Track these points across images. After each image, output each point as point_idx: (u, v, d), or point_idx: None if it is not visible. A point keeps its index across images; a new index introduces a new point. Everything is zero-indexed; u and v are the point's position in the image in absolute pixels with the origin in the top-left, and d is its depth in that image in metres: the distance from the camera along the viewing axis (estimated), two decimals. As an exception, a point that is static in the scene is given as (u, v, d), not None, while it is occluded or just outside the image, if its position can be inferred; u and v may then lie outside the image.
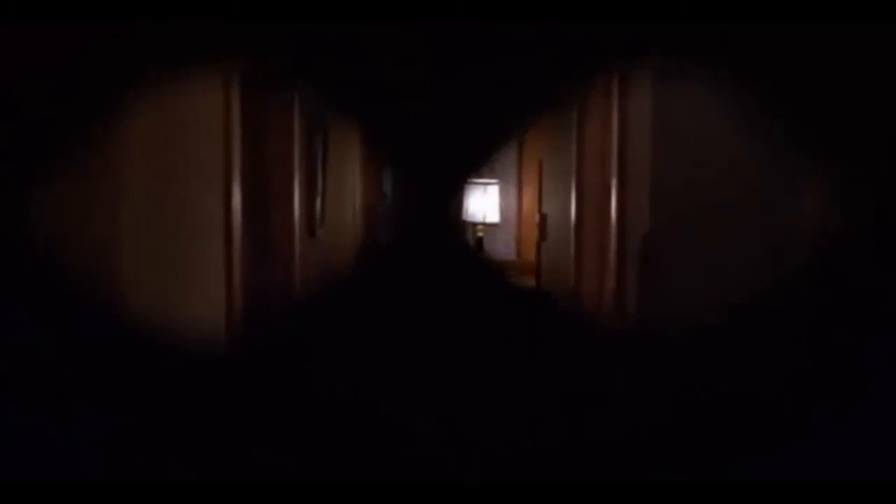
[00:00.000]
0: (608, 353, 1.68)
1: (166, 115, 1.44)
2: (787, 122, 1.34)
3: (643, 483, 1.22)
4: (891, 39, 1.11)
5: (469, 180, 5.08)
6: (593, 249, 2.71)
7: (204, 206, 1.77)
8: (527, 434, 1.45)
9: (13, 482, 1.02)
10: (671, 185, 1.93)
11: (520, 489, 1.23)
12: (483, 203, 5.01)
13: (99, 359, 1.12)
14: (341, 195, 4.15)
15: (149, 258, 1.39)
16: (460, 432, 1.45)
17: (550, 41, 1.37)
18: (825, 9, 1.10)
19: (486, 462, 1.36)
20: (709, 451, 1.30)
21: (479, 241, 5.06)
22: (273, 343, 1.73)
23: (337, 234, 4.03)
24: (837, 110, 1.23)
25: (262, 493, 1.22)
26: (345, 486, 1.25)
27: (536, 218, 4.29)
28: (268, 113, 2.48)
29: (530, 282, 4.88)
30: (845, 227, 1.24)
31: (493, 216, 5.05)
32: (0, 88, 0.99)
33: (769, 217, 1.58)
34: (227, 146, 1.85)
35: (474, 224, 5.09)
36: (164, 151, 1.49)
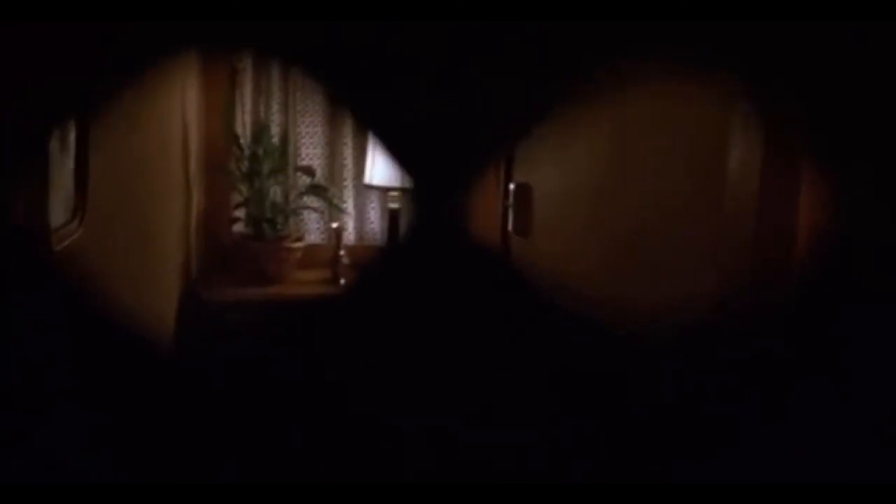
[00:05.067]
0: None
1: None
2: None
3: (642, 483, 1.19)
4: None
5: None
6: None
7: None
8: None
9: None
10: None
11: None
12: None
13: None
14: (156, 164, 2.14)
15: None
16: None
17: None
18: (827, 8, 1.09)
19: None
20: (705, 450, 1.22)
21: (394, 215, 3.12)
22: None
23: (136, 228, 2.04)
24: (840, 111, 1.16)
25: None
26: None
27: (508, 192, 2.42)
28: None
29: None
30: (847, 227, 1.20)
31: (416, 177, 3.11)
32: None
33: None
34: None
35: (386, 190, 3.15)
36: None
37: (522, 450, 1.28)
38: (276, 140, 3.04)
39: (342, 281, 3.03)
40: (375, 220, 3.29)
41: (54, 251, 1.35)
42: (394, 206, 3.10)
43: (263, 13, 1.10)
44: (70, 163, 1.41)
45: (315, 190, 3.08)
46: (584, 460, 1.26)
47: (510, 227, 2.42)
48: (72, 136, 1.41)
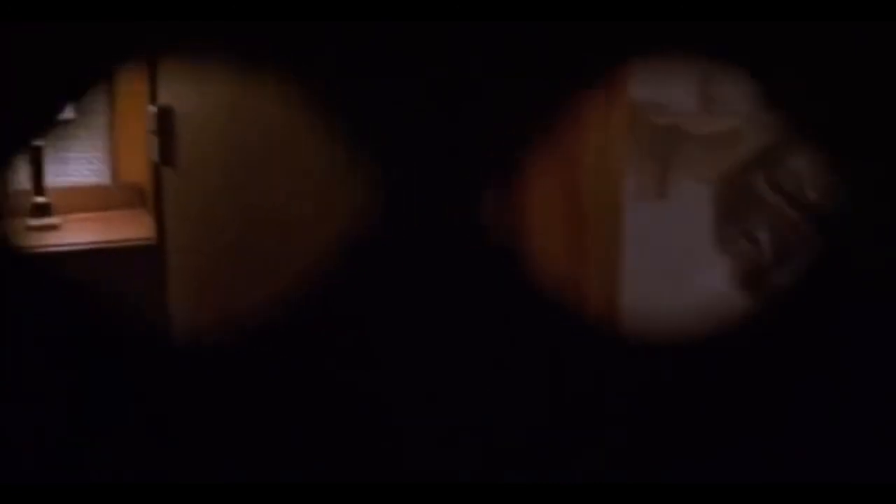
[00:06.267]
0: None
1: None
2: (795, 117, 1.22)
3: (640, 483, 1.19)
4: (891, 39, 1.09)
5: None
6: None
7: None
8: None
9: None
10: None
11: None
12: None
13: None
14: None
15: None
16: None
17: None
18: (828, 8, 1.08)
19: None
20: (701, 450, 1.22)
21: (37, 152, 2.75)
22: None
23: None
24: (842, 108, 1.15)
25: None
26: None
27: (151, 116, 2.15)
28: None
29: (137, 229, 2.74)
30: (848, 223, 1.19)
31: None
32: None
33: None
34: None
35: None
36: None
37: (522, 448, 1.26)
38: None
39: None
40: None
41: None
42: (36, 142, 2.72)
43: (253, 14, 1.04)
44: None
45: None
46: (582, 460, 1.25)
47: (155, 155, 2.16)
48: None
